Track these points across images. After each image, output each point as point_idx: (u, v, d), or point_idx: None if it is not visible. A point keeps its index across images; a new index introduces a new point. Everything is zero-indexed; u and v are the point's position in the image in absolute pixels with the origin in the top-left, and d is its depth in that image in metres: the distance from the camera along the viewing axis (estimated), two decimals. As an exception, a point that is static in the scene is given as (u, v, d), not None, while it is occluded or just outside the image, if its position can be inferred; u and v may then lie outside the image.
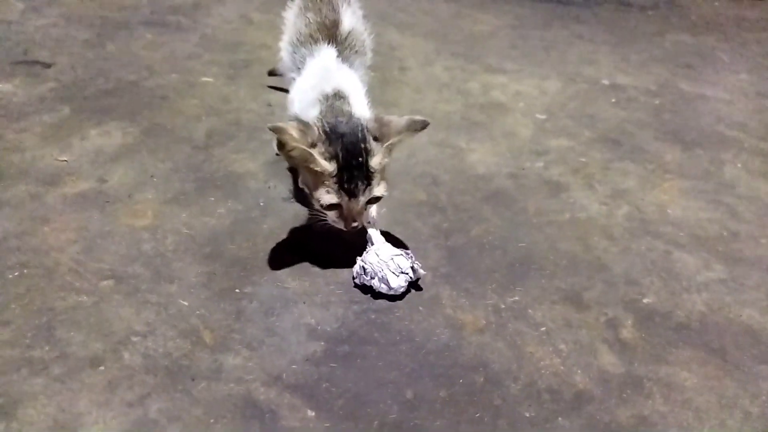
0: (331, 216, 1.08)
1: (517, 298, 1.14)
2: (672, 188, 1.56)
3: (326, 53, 1.21)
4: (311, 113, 1.09)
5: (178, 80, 1.80)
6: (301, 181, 1.32)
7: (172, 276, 1.09)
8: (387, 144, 1.05)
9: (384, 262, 1.07)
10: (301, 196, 1.33)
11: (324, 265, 1.16)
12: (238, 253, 1.16)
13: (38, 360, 0.91)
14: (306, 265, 1.16)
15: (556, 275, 1.21)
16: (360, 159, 1.03)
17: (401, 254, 1.10)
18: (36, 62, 1.81)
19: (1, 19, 2.04)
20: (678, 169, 1.64)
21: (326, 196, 1.04)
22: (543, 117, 1.84)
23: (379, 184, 1.06)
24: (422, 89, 1.94)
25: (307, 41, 1.23)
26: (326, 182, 1.03)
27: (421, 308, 1.09)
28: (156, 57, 1.92)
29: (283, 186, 1.36)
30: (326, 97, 1.13)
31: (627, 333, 1.10)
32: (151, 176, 1.34)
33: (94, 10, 2.19)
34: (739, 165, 1.70)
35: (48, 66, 1.79)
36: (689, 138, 1.83)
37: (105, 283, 1.06)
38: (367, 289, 1.10)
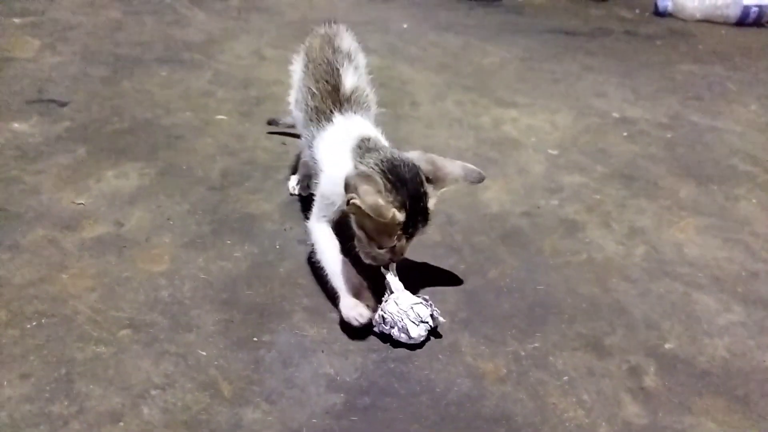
0: (381, 256, 1.07)
1: (537, 344, 1.13)
2: (688, 226, 1.55)
3: (338, 121, 1.19)
4: (345, 164, 1.08)
5: (192, 118, 1.81)
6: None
7: (190, 324, 1.08)
8: (442, 190, 1.08)
9: (404, 312, 1.07)
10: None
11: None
12: (255, 299, 1.16)
13: (57, 415, 0.90)
14: (324, 310, 1.15)
15: (576, 320, 1.20)
16: (421, 204, 1.04)
17: (421, 302, 1.09)
18: (51, 101, 1.83)
19: (17, 57, 2.07)
20: (693, 206, 1.64)
21: (388, 240, 1.03)
22: (555, 152, 1.84)
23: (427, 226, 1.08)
24: (434, 124, 1.95)
25: (318, 115, 1.21)
26: (391, 230, 1.02)
27: (440, 356, 1.08)
28: (171, 95, 1.94)
29: (299, 228, 1.36)
30: (356, 146, 1.11)
31: (650, 381, 1.08)
32: (168, 219, 1.35)
33: (108, 48, 2.23)
34: (753, 201, 1.69)
35: (63, 105, 1.81)
36: (703, 173, 1.83)
37: (123, 332, 1.06)
38: (386, 337, 1.09)
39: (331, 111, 1.19)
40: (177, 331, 1.07)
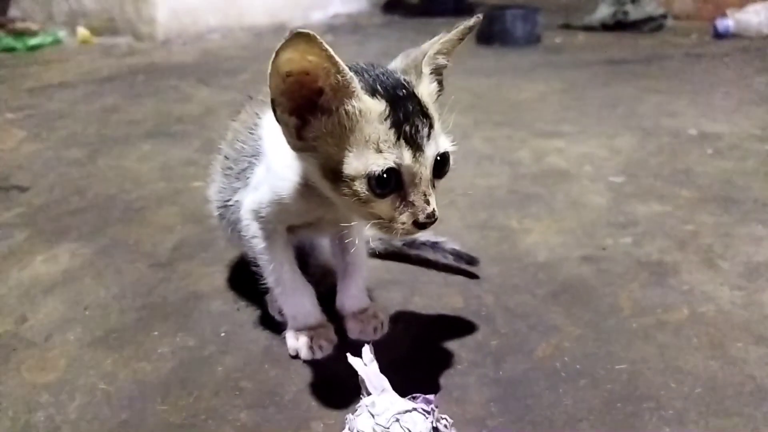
0: (385, 211, 0.67)
1: (628, 468, 0.65)
2: (838, 254, 1.04)
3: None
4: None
5: (164, 189, 1.51)
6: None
7: (55, 468, 0.69)
8: (429, 56, 0.70)
9: (385, 429, 0.63)
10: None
11: (299, 425, 0.73)
12: (169, 418, 0.75)
13: None
14: (270, 429, 0.73)
15: (689, 416, 0.71)
16: (404, 90, 0.67)
17: (414, 410, 0.65)
18: (13, 187, 1.58)
19: (-5, 150, 1.89)
20: (835, 226, 1.14)
21: (377, 159, 0.64)
22: (620, 180, 1.40)
23: (441, 133, 0.69)
24: (457, 165, 1.56)
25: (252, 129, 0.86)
26: (373, 134, 0.65)
27: (457, 501, 0.63)
28: (147, 168, 1.67)
29: (256, 307, 0.97)
30: None
31: None
32: (84, 308, 0.99)
33: (96, 129, 2.03)
34: None
35: (24, 190, 1.56)
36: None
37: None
38: (363, 471, 0.65)
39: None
40: (31, 481, 0.68)
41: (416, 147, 0.65)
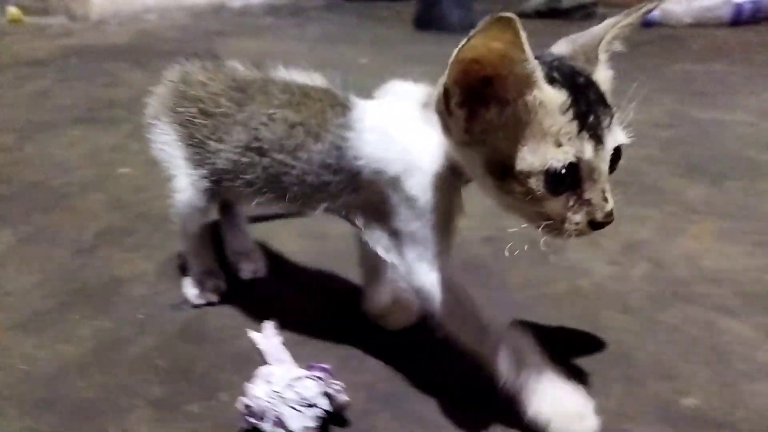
0: (556, 210, 0.63)
1: (503, 423, 0.76)
2: (703, 233, 1.18)
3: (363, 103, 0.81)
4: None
5: (90, 175, 1.54)
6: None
7: (-28, 444, 0.74)
8: (606, 41, 0.67)
9: (278, 394, 0.71)
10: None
11: (207, 396, 0.80)
12: (87, 394, 0.81)
13: None
14: (180, 400, 0.80)
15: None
16: (582, 78, 0.63)
17: (306, 376, 0.73)
18: (-64, 175, 1.57)
19: None
20: (706, 208, 1.28)
21: (557, 153, 0.60)
22: (527, 165, 1.51)
23: (618, 124, 0.65)
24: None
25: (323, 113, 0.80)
26: (552, 126, 0.60)
27: (343, 455, 0.72)
28: (75, 154, 1.68)
29: (175, 290, 1.03)
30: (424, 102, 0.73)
31: (670, 463, 0.69)
32: (7, 294, 1.03)
33: (24, 114, 2.01)
34: (785, 194, 1.32)
35: (-54, 179, 1.55)
36: (714, 169, 1.47)
37: None
38: (261, 434, 0.73)
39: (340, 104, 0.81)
40: (-52, 456, 0.73)
41: (597, 140, 0.61)
